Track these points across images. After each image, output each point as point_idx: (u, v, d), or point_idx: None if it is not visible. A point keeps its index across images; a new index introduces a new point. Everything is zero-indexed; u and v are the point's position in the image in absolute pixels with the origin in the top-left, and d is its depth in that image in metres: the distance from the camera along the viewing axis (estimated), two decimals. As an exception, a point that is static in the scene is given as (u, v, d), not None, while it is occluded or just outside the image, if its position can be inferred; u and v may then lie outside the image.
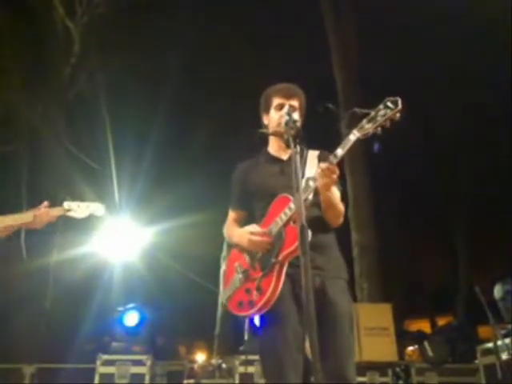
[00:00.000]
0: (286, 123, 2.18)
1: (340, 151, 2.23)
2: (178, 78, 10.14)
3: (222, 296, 2.45)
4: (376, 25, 9.95)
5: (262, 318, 2.31)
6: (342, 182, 2.44)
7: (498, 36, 8.35)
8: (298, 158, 2.01)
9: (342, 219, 2.45)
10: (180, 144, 11.01)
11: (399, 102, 2.19)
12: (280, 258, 2.23)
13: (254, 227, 2.39)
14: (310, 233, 2.12)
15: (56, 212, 2.92)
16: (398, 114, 2.19)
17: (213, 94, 11.07)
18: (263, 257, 2.31)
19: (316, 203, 2.36)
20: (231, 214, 2.66)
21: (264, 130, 2.61)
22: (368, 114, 2.22)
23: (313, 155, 2.55)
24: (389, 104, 2.20)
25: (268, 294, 2.20)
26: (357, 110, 2.24)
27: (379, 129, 2.20)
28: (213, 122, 10.71)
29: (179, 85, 10.14)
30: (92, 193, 8.74)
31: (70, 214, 2.95)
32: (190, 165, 10.83)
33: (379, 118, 2.19)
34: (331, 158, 2.22)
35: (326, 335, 2.13)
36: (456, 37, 9.66)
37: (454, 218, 13.52)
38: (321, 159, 2.51)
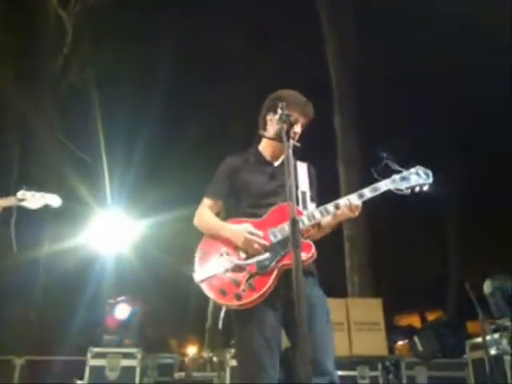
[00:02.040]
0: (280, 117, 2.17)
1: (368, 194, 2.37)
2: (171, 71, 10.07)
3: (197, 275, 2.35)
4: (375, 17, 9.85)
5: (238, 313, 2.29)
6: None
7: (498, 35, 8.30)
8: (290, 152, 2.01)
9: None
10: (172, 137, 10.96)
11: (431, 175, 2.41)
12: (281, 264, 2.27)
13: (250, 227, 2.36)
14: (313, 249, 2.30)
15: (5, 202, 2.88)
16: (426, 186, 2.40)
17: (206, 89, 11.02)
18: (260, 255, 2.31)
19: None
20: (207, 202, 2.61)
21: (263, 133, 2.58)
22: (399, 171, 2.42)
23: (302, 167, 2.59)
24: (421, 173, 2.42)
25: (259, 293, 2.22)
26: (389, 163, 2.40)
27: (409, 190, 2.39)
28: (206, 115, 10.67)
29: (172, 78, 10.08)
30: (83, 185, 8.70)
31: (24, 203, 2.91)
32: (182, 158, 10.78)
33: (412, 182, 2.39)
34: (359, 196, 2.36)
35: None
36: (455, 35, 9.65)
37: (445, 214, 13.59)
38: (310, 173, 2.61)
